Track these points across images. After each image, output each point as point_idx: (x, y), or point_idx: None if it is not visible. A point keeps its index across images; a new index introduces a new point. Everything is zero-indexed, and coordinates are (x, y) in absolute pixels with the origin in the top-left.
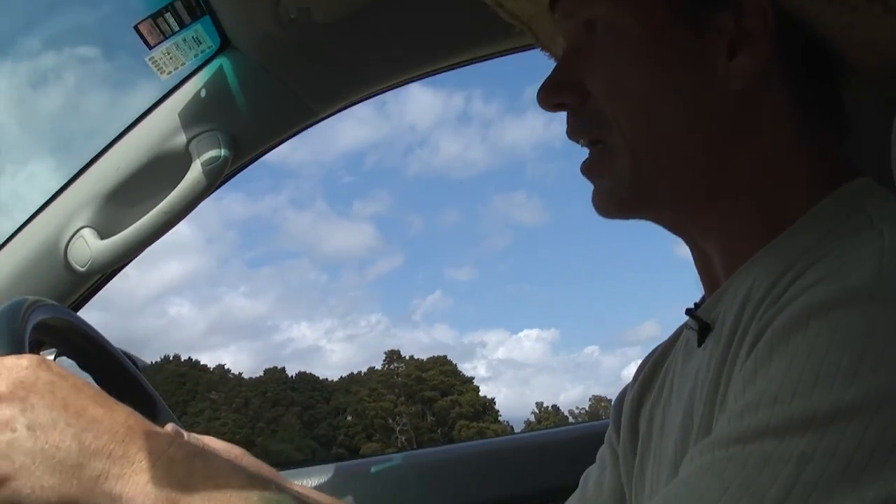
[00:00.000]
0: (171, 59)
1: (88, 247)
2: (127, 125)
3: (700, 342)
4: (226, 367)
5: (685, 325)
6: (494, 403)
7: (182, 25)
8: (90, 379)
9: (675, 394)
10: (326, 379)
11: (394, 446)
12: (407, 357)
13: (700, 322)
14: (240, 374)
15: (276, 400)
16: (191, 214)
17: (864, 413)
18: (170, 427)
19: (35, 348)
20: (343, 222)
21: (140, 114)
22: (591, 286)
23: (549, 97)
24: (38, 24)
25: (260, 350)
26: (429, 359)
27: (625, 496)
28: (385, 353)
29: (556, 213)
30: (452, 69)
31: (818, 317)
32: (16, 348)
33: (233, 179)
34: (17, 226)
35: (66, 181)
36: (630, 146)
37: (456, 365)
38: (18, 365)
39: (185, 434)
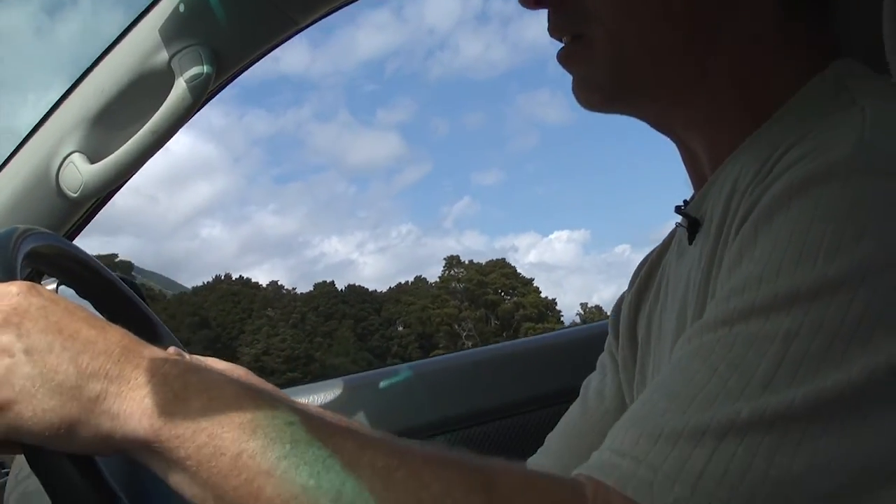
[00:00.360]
0: None
1: (79, 172)
2: (107, 45)
3: (691, 239)
4: (279, 282)
5: (677, 225)
6: (556, 304)
7: None
8: (89, 306)
9: (670, 296)
10: (375, 290)
11: None
12: (466, 262)
13: (689, 219)
14: (293, 289)
15: (329, 314)
16: (216, 134)
17: (847, 286)
18: (172, 349)
19: (34, 278)
20: (368, 132)
21: (119, 33)
22: (620, 184)
23: None
24: None
25: (293, 267)
26: (488, 262)
27: (626, 403)
28: (444, 258)
29: (582, 110)
30: None
31: (800, 194)
32: (7, 277)
33: (253, 95)
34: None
35: (51, 107)
36: (611, 35)
37: (515, 267)
38: (9, 292)
39: (187, 355)
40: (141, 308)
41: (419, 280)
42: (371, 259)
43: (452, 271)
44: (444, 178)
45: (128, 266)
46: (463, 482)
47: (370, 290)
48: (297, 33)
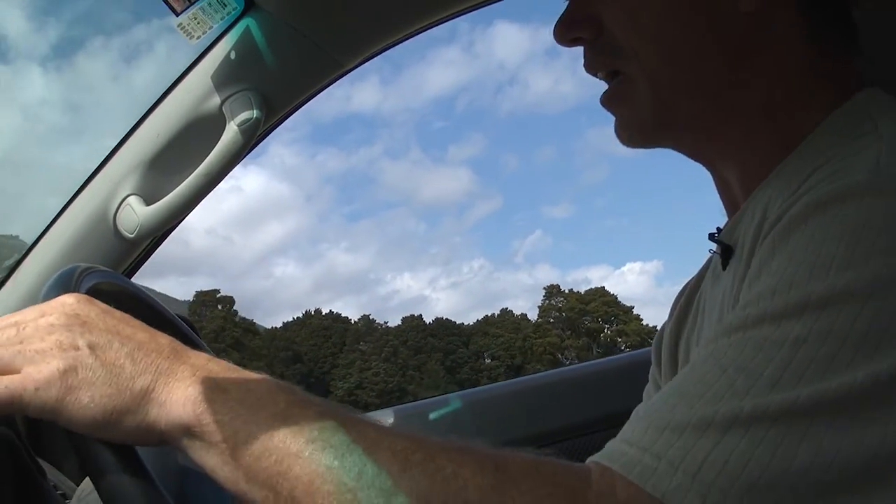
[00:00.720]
0: (198, 23)
1: (136, 213)
2: (162, 92)
3: (724, 265)
4: (370, 316)
5: (711, 251)
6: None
7: None
8: None
9: (706, 320)
10: (462, 323)
11: None
12: (566, 291)
13: (723, 245)
14: (385, 323)
15: (418, 347)
16: (289, 173)
17: (856, 298)
18: None
19: None
20: (439, 168)
21: (174, 80)
22: (692, 214)
23: (566, 32)
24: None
25: (366, 304)
26: (587, 291)
27: None
28: (544, 288)
29: None
30: (475, 10)
31: (815, 213)
32: None
33: (326, 133)
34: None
35: (109, 151)
36: (648, 74)
37: (616, 296)
38: (69, 302)
39: None
40: (200, 347)
41: (505, 312)
42: (443, 295)
43: (553, 301)
44: (515, 212)
45: (230, 300)
46: (474, 464)
47: (457, 322)
48: (342, 76)
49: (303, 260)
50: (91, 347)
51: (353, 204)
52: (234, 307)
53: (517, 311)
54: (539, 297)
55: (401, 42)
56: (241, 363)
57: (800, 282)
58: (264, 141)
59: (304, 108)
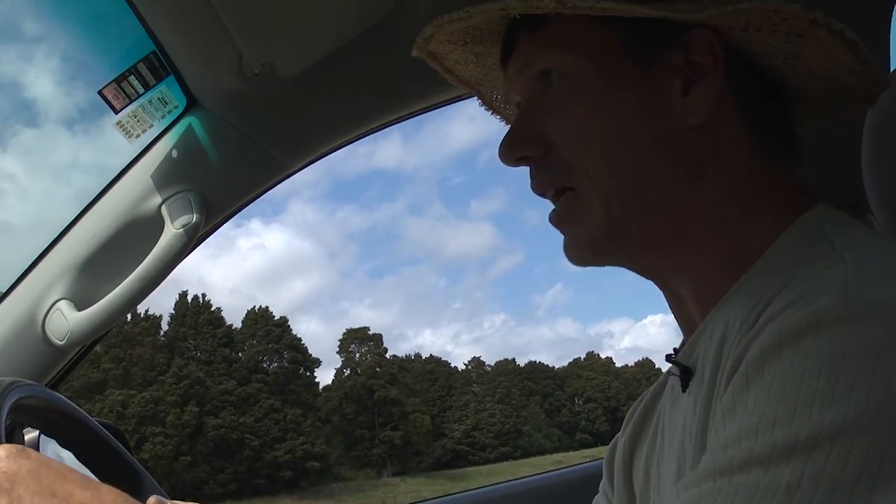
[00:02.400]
0: (138, 121)
1: (66, 319)
2: (99, 191)
3: (684, 387)
4: (480, 358)
5: (669, 372)
6: None
7: (147, 87)
8: (72, 456)
9: (666, 443)
10: (553, 367)
11: None
12: None
13: (681, 367)
14: (491, 366)
15: (523, 390)
16: (311, 230)
17: (845, 436)
18: (153, 500)
19: (15, 429)
20: (462, 224)
21: (111, 179)
22: None
23: (511, 152)
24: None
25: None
26: None
27: None
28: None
29: None
30: (419, 115)
31: (789, 344)
32: None
33: (346, 190)
34: None
35: (40, 252)
36: (599, 190)
37: None
38: None
39: (169, 502)
40: (125, 458)
41: (591, 355)
42: (466, 350)
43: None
44: (535, 265)
45: (378, 338)
46: None
47: (549, 365)
48: (287, 177)
49: (326, 317)
50: None
51: (376, 260)
52: (383, 344)
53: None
54: (561, 351)
55: (347, 144)
56: (399, 399)
57: (783, 420)
58: (284, 198)
59: (324, 165)
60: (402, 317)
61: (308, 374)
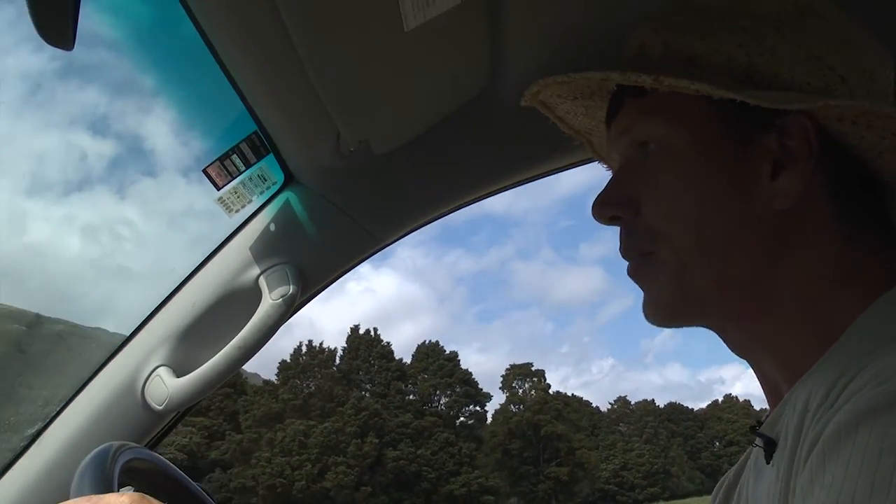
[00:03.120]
0: (238, 197)
1: (165, 385)
2: (199, 262)
3: (768, 459)
4: (626, 397)
5: (753, 444)
6: None
7: (248, 165)
8: None
9: None
10: (692, 409)
11: None
12: None
13: (765, 438)
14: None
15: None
16: (420, 274)
17: None
18: None
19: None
20: (571, 267)
21: (211, 251)
22: None
23: (605, 210)
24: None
25: (496, 405)
26: None
27: None
28: None
29: None
30: (512, 188)
31: (866, 423)
32: (106, 491)
33: (454, 234)
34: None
35: (142, 320)
36: (680, 259)
37: None
38: (121, 501)
39: None
40: None
41: (729, 398)
42: (576, 394)
43: None
44: None
45: (541, 373)
46: None
47: (690, 407)
48: (379, 250)
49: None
50: None
51: (485, 303)
52: (546, 380)
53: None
54: (672, 396)
55: (439, 218)
56: (566, 434)
57: (861, 498)
58: (392, 245)
59: None
60: (509, 360)
61: (479, 408)
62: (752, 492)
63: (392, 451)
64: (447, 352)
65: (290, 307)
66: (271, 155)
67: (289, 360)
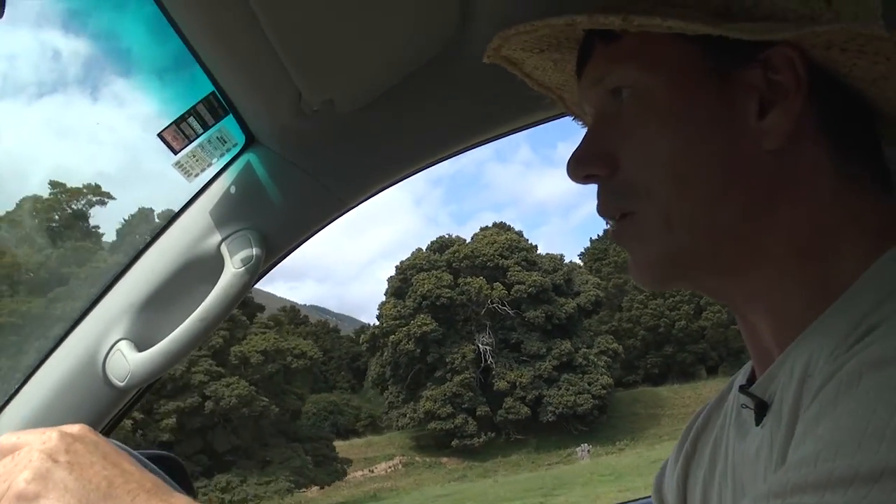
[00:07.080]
0: (196, 161)
1: (126, 360)
2: (158, 230)
3: (758, 420)
4: None
5: (740, 404)
6: None
7: (206, 127)
8: None
9: (731, 476)
10: None
11: None
12: None
13: (755, 399)
14: None
15: None
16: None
17: None
18: None
19: None
20: (548, 169)
21: (170, 218)
22: None
23: (580, 169)
24: None
25: None
26: None
27: None
28: None
29: None
30: (482, 144)
31: (869, 374)
32: None
33: None
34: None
35: (100, 291)
36: (663, 215)
37: None
38: (73, 428)
39: None
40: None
41: None
42: None
43: None
44: None
45: None
46: None
47: None
48: (345, 213)
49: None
50: (70, 464)
51: (461, 203)
52: None
53: None
54: None
55: (407, 177)
56: None
57: (847, 450)
58: None
59: None
60: None
61: None
62: (735, 449)
63: None
64: None
65: (254, 275)
66: (231, 116)
67: None
